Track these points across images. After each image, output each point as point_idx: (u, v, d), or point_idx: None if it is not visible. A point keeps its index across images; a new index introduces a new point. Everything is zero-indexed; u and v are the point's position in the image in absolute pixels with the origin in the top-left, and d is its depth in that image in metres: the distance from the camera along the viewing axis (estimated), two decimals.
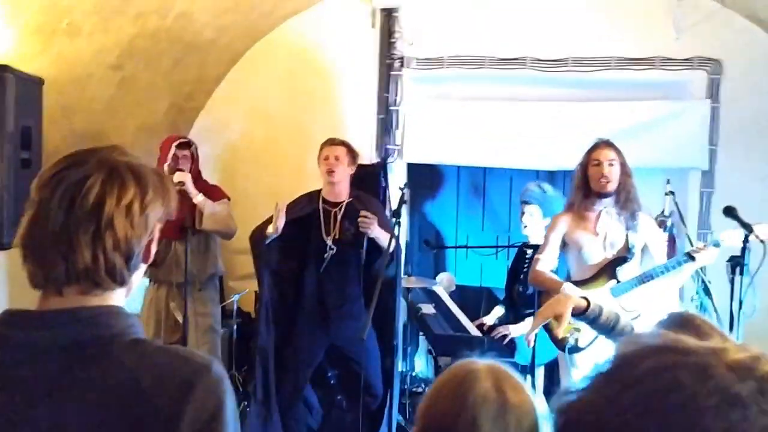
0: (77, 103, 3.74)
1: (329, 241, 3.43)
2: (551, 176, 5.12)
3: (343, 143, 3.57)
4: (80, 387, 0.97)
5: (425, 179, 5.32)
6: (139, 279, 1.10)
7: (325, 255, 3.42)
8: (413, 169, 5.07)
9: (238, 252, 4.60)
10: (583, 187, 3.20)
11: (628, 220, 3.15)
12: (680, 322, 1.69)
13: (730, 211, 2.78)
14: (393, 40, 4.73)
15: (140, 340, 1.04)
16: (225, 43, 4.61)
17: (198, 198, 3.53)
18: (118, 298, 1.06)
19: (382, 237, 3.31)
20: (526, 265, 3.96)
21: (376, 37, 4.77)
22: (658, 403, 0.51)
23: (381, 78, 4.78)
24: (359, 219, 3.30)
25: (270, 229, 3.33)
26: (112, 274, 1.02)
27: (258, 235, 3.51)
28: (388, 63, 4.75)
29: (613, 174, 3.12)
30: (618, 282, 3.13)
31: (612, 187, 3.12)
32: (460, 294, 4.81)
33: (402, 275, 4.59)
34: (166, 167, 3.58)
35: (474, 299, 4.86)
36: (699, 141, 4.39)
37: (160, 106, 4.48)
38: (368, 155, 4.80)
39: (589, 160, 3.19)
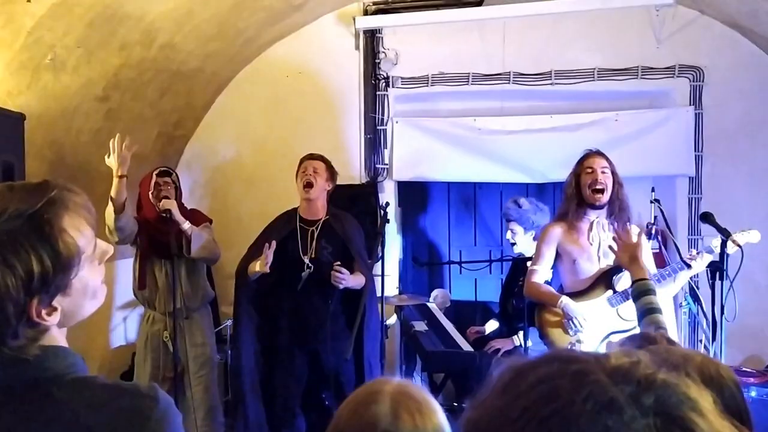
0: (65, 136, 3.78)
1: (306, 260, 3.39)
2: (540, 189, 5.14)
3: (323, 158, 3.57)
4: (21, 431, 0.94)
5: (416, 196, 5.35)
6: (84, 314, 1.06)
7: (303, 274, 3.38)
8: (403, 186, 5.10)
9: (230, 277, 4.61)
10: (575, 197, 3.17)
11: (619, 227, 3.13)
12: (641, 341, 1.71)
13: (707, 217, 2.78)
14: (377, 60, 4.79)
15: (81, 379, 1.01)
16: (211, 71, 4.67)
17: (185, 225, 3.54)
18: (55, 337, 1.02)
19: (356, 284, 3.28)
20: (521, 279, 3.97)
21: (360, 59, 4.82)
22: (538, 412, 0.53)
23: (367, 98, 4.83)
24: (332, 274, 3.23)
25: (257, 267, 3.29)
26: (35, 339, 0.98)
27: (243, 271, 3.49)
28: (374, 83, 4.81)
29: (607, 181, 3.11)
30: (615, 292, 3.11)
31: (606, 195, 3.10)
32: (456, 310, 4.81)
33: (397, 293, 4.61)
34: (150, 195, 3.60)
35: (469, 314, 4.86)
36: (684, 148, 4.42)
37: (148, 136, 4.52)
38: (357, 175, 4.84)
39: (582, 169, 3.16)
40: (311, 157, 3.57)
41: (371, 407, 1.12)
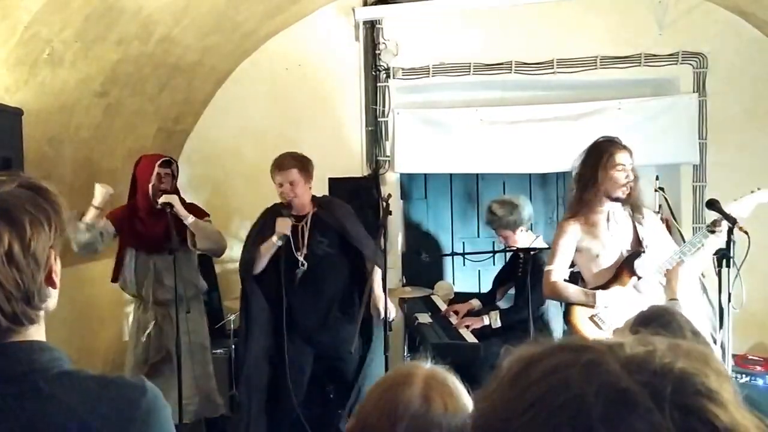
0: (64, 132, 3.75)
1: (300, 257, 3.32)
2: (543, 179, 5.11)
3: (294, 164, 3.36)
4: (11, 425, 0.94)
5: (418, 188, 5.32)
6: (54, 303, 1.06)
7: (297, 271, 3.31)
8: (405, 178, 5.07)
9: (233, 272, 4.60)
10: (593, 189, 3.03)
11: (636, 214, 3.06)
12: (649, 317, 1.68)
13: (712, 204, 2.74)
14: (378, 51, 4.75)
15: (67, 372, 1.01)
16: (210, 65, 4.63)
17: (189, 219, 3.52)
18: (36, 331, 1.02)
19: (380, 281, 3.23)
20: (520, 270, 3.94)
21: (360, 50, 4.79)
22: (548, 404, 0.50)
23: (368, 90, 4.79)
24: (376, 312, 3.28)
25: (274, 237, 3.24)
26: (17, 321, 0.98)
27: (247, 265, 3.44)
28: (374, 74, 4.77)
29: (632, 176, 3.03)
30: (639, 278, 2.99)
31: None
32: (459, 301, 4.78)
33: (400, 286, 4.59)
34: (150, 187, 3.58)
35: None
36: (688, 135, 4.38)
37: (148, 131, 4.50)
38: (359, 168, 4.81)
39: (611, 164, 3.01)
40: (281, 167, 3.35)
41: (403, 389, 1.11)
